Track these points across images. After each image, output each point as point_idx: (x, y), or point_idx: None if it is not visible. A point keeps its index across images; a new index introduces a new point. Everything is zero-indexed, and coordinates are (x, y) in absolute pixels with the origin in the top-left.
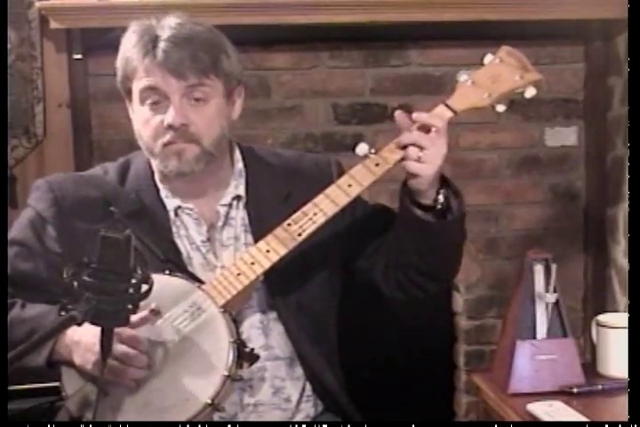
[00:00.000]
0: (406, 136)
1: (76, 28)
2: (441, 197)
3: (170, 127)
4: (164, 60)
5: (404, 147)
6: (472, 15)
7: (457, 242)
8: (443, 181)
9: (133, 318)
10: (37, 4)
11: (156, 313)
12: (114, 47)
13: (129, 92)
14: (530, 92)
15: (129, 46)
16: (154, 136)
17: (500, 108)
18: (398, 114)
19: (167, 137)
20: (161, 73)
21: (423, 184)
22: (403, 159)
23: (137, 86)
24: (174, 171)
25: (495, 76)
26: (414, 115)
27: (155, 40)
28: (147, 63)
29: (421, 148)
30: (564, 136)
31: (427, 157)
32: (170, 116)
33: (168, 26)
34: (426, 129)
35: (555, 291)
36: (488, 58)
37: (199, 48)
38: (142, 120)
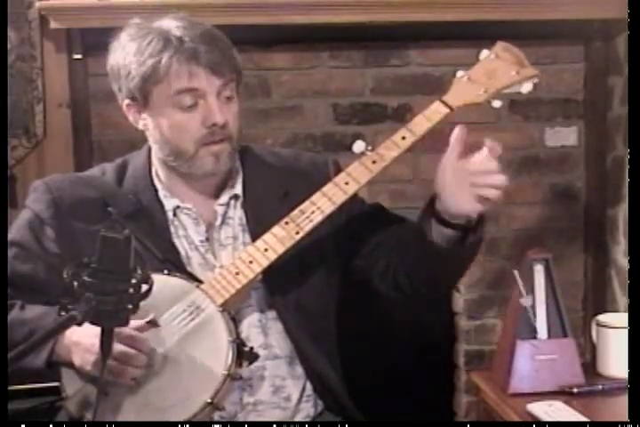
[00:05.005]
0: (486, 163)
1: (76, 28)
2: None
3: (214, 126)
4: (205, 60)
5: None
6: (472, 15)
7: (469, 262)
8: None
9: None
10: (37, 4)
11: (152, 324)
12: None
13: (145, 97)
14: (526, 88)
15: (151, 51)
16: (191, 138)
17: (497, 103)
18: (460, 128)
19: (208, 137)
20: (204, 73)
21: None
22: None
23: (167, 90)
24: (209, 171)
25: (491, 72)
26: (488, 143)
27: (180, 41)
28: (188, 66)
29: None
30: (564, 136)
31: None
32: (216, 116)
33: (182, 26)
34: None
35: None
36: (484, 53)
37: (224, 45)
38: (174, 124)
